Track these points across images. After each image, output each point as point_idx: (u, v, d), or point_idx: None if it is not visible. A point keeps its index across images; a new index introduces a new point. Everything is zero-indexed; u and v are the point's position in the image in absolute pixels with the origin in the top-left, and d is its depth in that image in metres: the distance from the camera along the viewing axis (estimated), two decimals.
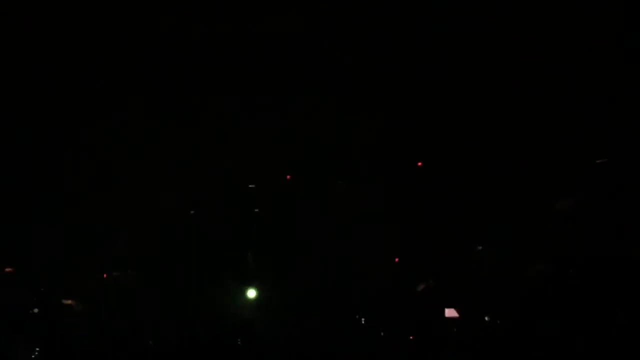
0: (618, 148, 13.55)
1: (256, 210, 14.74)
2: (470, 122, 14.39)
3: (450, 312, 13.25)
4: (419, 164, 14.54)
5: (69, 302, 13.50)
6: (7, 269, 13.74)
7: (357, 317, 13.70)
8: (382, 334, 13.26)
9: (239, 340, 12.26)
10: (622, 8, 13.39)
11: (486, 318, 13.16)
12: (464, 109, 14.42)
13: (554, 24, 13.85)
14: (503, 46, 14.08)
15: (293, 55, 14.50)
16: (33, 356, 12.53)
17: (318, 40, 14.41)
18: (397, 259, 14.32)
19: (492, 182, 14.13)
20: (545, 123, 13.98)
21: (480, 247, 13.99)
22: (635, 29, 13.42)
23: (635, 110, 13.43)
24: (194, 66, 14.38)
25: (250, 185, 14.82)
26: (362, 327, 13.58)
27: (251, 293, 13.92)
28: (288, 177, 14.81)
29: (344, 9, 14.32)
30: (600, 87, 13.61)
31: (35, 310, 13.22)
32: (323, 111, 14.59)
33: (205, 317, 12.44)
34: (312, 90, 14.51)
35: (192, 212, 14.51)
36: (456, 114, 14.44)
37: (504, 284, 13.54)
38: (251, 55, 14.47)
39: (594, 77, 13.64)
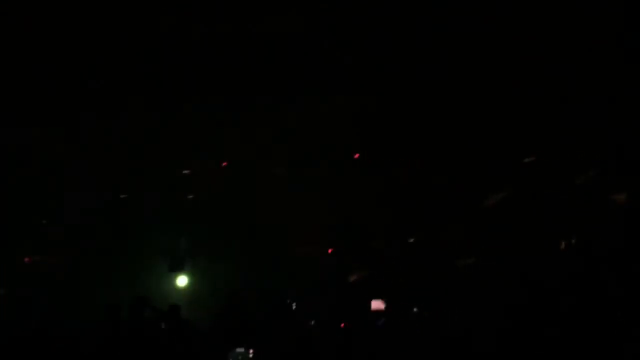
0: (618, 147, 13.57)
1: (190, 196, 14.80)
2: (469, 122, 14.44)
3: (377, 304, 13.13)
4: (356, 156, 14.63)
5: None
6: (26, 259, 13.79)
7: (288, 302, 13.63)
8: (312, 322, 13.14)
9: (162, 324, 12.21)
10: (622, 8, 13.38)
11: (414, 309, 13.15)
12: (464, 108, 14.44)
13: (554, 23, 13.86)
14: (503, 46, 14.10)
15: (293, 55, 14.52)
16: None
17: (318, 40, 14.42)
18: (330, 250, 14.47)
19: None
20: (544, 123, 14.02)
21: (412, 240, 14.16)
22: (635, 29, 13.41)
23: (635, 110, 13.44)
24: (194, 66, 14.40)
25: (184, 171, 14.87)
26: (294, 314, 13.50)
27: (181, 280, 13.97)
28: (224, 163, 14.85)
29: (344, 9, 14.33)
30: (600, 87, 13.62)
31: None
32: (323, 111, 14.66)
33: (132, 301, 12.33)
34: (312, 90, 14.55)
35: (122, 196, 14.56)
36: (456, 114, 14.47)
37: (435, 275, 13.61)
38: (251, 55, 14.49)
39: (594, 77, 13.66)
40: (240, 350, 11.97)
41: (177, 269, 14.27)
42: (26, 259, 14.10)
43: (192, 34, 14.27)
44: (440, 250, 13.94)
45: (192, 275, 14.33)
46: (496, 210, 13.87)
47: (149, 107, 14.46)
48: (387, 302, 13.17)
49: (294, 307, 13.51)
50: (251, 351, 11.99)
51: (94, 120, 14.47)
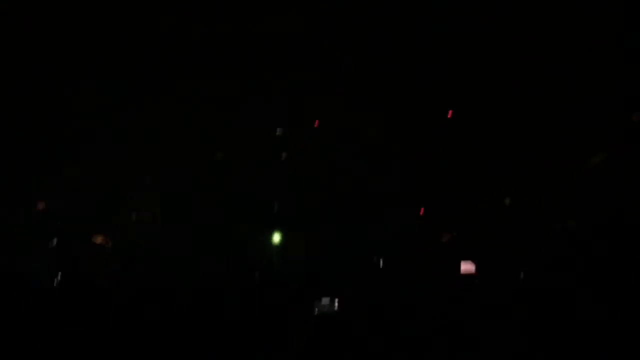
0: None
1: (283, 154, 14.81)
2: (472, 122, 14.46)
3: (466, 267, 12.87)
4: (449, 114, 14.59)
5: (100, 238, 13.72)
6: (40, 205, 13.96)
7: (375, 259, 13.50)
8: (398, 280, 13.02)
9: (256, 276, 12.46)
10: (622, 8, 13.40)
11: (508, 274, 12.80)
12: (465, 108, 14.49)
13: (554, 24, 13.89)
14: (503, 46, 14.13)
15: (293, 55, 14.59)
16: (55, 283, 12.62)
17: (318, 40, 14.48)
18: (422, 210, 14.31)
19: (521, 133, 14.07)
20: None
21: (508, 200, 13.93)
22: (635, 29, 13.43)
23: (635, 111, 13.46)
24: (194, 66, 14.50)
25: (277, 130, 14.87)
26: (380, 271, 13.34)
27: (276, 237, 14.05)
28: (316, 122, 14.85)
29: (344, 9, 14.39)
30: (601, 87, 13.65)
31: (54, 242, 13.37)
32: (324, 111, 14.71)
33: (227, 255, 12.67)
34: (313, 90, 14.62)
35: (219, 154, 14.66)
36: (458, 113, 14.51)
37: (531, 239, 13.29)
38: (251, 55, 14.57)
39: (594, 77, 13.68)
40: (326, 300, 12.07)
41: (273, 227, 14.40)
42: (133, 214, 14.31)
43: (192, 34, 14.37)
44: (538, 212, 13.60)
45: (287, 233, 14.40)
46: (599, 172, 13.64)
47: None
48: (478, 264, 12.84)
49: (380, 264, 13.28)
50: (337, 302, 11.96)
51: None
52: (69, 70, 14.48)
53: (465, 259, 12.95)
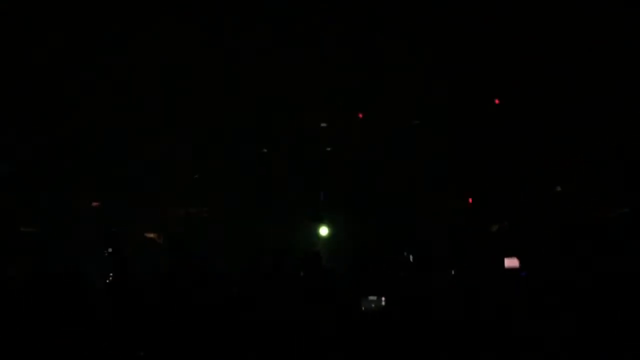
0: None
1: (328, 149, 15.00)
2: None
3: (511, 262, 12.81)
4: (496, 101, 14.64)
5: (152, 235, 14.05)
6: (94, 203, 14.32)
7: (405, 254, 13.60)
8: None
9: (301, 272, 12.62)
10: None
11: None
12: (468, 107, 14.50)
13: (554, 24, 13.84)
14: (504, 46, 14.12)
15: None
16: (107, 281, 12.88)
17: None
18: (470, 200, 14.35)
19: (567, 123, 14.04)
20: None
21: (559, 188, 13.85)
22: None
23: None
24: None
25: (322, 124, 15.09)
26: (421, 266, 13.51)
27: (323, 230, 14.15)
28: (360, 115, 15.02)
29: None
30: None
31: (109, 250, 13.68)
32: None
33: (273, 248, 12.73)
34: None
35: (264, 150, 14.91)
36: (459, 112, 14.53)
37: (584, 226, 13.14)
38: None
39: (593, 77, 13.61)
40: (372, 298, 12.20)
41: (318, 220, 14.60)
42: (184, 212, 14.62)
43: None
44: (588, 200, 13.53)
45: (332, 226, 14.60)
46: None
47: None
48: (522, 260, 12.77)
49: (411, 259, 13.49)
50: (383, 299, 12.16)
51: None
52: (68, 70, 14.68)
53: (511, 252, 13.00)
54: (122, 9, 14.59)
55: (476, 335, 11.47)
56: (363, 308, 12.15)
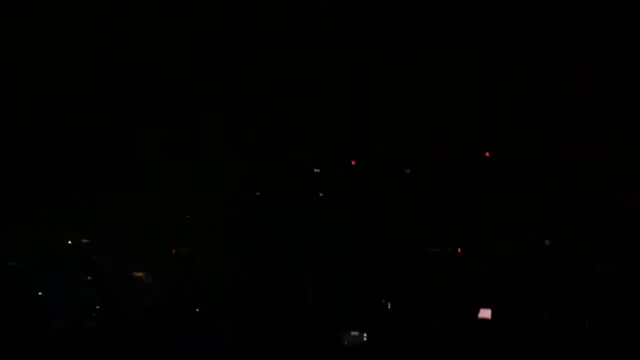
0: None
1: (320, 194, 15.01)
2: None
3: (484, 313, 12.98)
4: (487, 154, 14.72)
5: (140, 274, 14.00)
6: (84, 240, 14.31)
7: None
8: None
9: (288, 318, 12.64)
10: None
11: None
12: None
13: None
14: (503, 46, 14.30)
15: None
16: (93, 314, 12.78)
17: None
18: (459, 250, 14.36)
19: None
20: None
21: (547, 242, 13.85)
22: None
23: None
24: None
25: (315, 170, 15.15)
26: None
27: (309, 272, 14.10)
28: (353, 162, 15.09)
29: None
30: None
31: (89, 278, 13.61)
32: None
33: (263, 296, 12.98)
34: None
35: (257, 193, 14.92)
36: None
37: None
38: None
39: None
40: (354, 333, 12.17)
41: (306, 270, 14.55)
42: (173, 251, 14.60)
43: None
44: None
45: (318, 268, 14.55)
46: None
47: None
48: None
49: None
50: (365, 335, 12.04)
51: None
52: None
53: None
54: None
55: None
56: (345, 343, 12.14)
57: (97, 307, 13.03)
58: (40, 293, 13.31)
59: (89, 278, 13.73)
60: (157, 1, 15.00)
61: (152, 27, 15.00)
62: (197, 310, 13.42)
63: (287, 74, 15.22)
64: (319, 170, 15.32)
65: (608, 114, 14.04)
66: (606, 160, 14.06)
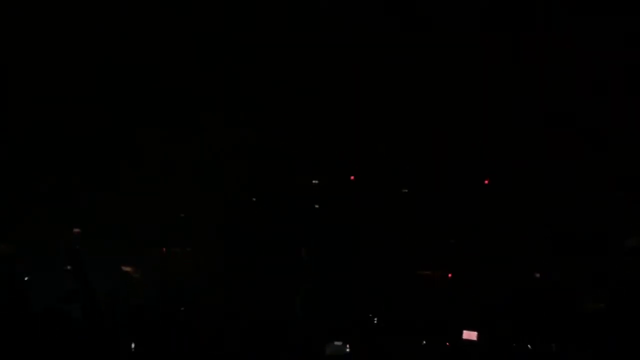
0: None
1: (316, 206, 14.96)
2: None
3: (469, 335, 12.90)
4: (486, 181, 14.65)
5: (128, 269, 13.92)
6: (75, 230, 14.24)
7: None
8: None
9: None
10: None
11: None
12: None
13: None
14: (503, 46, 14.18)
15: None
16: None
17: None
18: (450, 275, 14.30)
19: None
20: None
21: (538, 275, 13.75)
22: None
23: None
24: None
25: (314, 181, 15.11)
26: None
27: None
28: (352, 177, 15.04)
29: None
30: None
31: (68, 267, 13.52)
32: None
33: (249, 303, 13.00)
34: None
35: (253, 198, 14.87)
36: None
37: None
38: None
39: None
40: (338, 343, 12.13)
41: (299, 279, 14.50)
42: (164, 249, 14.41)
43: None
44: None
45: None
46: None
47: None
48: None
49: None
50: (348, 346, 12.04)
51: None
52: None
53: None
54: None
55: None
56: (327, 353, 12.01)
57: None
58: (26, 278, 13.21)
59: (69, 267, 13.66)
60: (157, 1, 15.01)
61: (152, 27, 15.00)
62: (182, 309, 13.25)
63: (287, 74, 15.15)
64: (317, 182, 15.30)
65: (608, 114, 13.85)
66: (606, 160, 13.87)
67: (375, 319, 13.61)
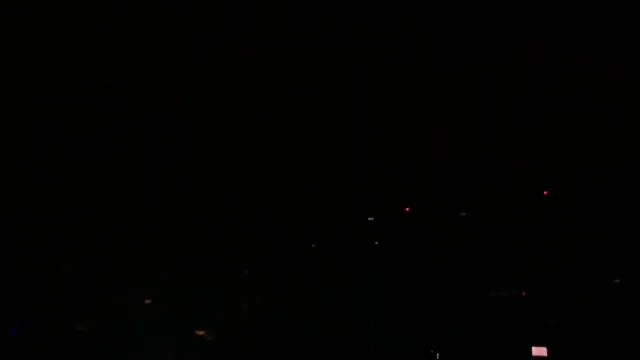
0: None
1: (376, 243, 14.93)
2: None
3: (538, 352, 13.16)
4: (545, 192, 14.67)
5: (202, 333, 13.91)
6: (147, 301, 14.36)
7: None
8: None
9: None
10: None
11: None
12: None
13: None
14: (503, 46, 14.26)
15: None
16: None
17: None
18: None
19: None
20: None
21: None
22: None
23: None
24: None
25: (369, 219, 15.09)
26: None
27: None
28: (407, 209, 15.01)
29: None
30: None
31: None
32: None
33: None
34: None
35: (313, 245, 14.89)
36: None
37: None
38: None
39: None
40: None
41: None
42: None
43: None
44: None
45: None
46: None
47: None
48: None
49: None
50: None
51: None
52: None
53: None
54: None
55: None
56: None
57: None
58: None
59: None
60: (157, 1, 15.00)
61: (152, 27, 14.99)
62: None
63: (287, 74, 15.18)
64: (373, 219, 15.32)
65: (608, 114, 13.96)
66: (606, 161, 13.98)
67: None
